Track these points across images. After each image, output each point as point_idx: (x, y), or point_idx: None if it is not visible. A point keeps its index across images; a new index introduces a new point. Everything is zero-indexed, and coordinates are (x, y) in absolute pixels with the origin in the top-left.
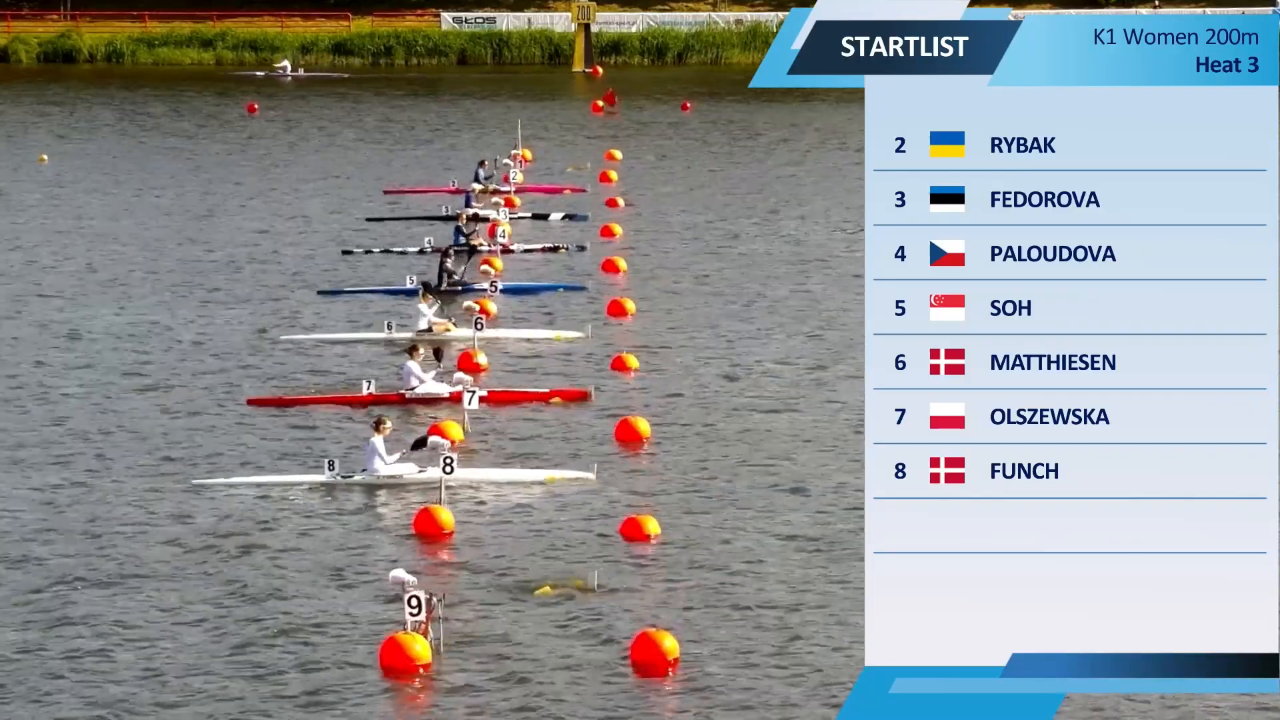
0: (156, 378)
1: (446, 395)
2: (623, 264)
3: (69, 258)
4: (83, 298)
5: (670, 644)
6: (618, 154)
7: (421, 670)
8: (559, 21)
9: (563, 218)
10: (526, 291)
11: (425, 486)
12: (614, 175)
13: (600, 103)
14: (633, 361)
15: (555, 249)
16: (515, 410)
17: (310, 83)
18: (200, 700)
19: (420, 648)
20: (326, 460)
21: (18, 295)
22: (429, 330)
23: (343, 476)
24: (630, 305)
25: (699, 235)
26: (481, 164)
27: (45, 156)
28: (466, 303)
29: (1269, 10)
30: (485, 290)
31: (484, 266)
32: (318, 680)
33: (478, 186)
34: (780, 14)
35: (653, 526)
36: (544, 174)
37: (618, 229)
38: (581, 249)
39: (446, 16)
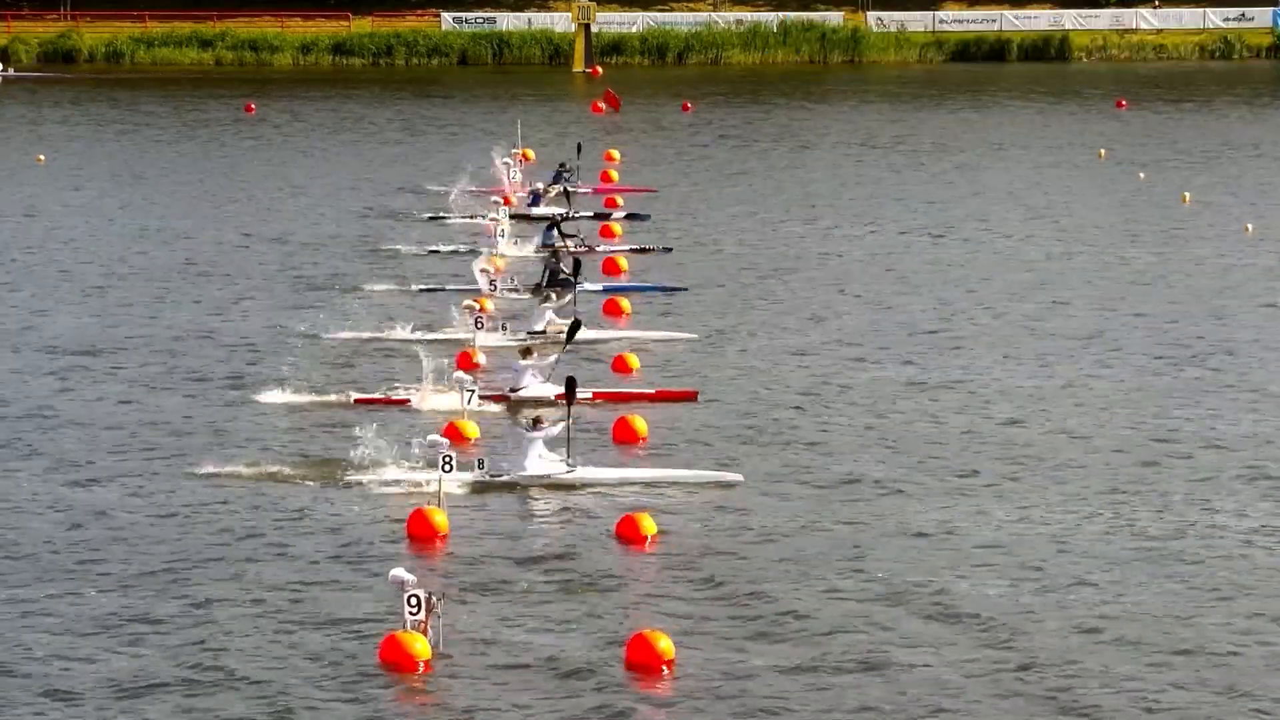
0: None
1: (553, 397)
2: (623, 264)
3: (68, 257)
4: (82, 298)
5: (666, 645)
6: (616, 154)
7: (421, 669)
8: (559, 21)
9: (625, 217)
10: (628, 291)
11: (572, 485)
12: (614, 175)
13: (601, 103)
14: (633, 361)
15: (642, 250)
16: (624, 410)
17: (34, 84)
18: (200, 700)
19: (420, 646)
20: (476, 459)
21: (17, 294)
22: (544, 331)
23: (491, 475)
24: (625, 305)
25: (787, 238)
26: (563, 165)
27: (43, 156)
28: (466, 301)
29: (1269, 9)
30: (579, 289)
31: (484, 266)
32: (317, 678)
33: (557, 187)
34: (780, 14)
35: (649, 526)
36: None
37: (618, 229)
38: (668, 250)
39: (446, 16)
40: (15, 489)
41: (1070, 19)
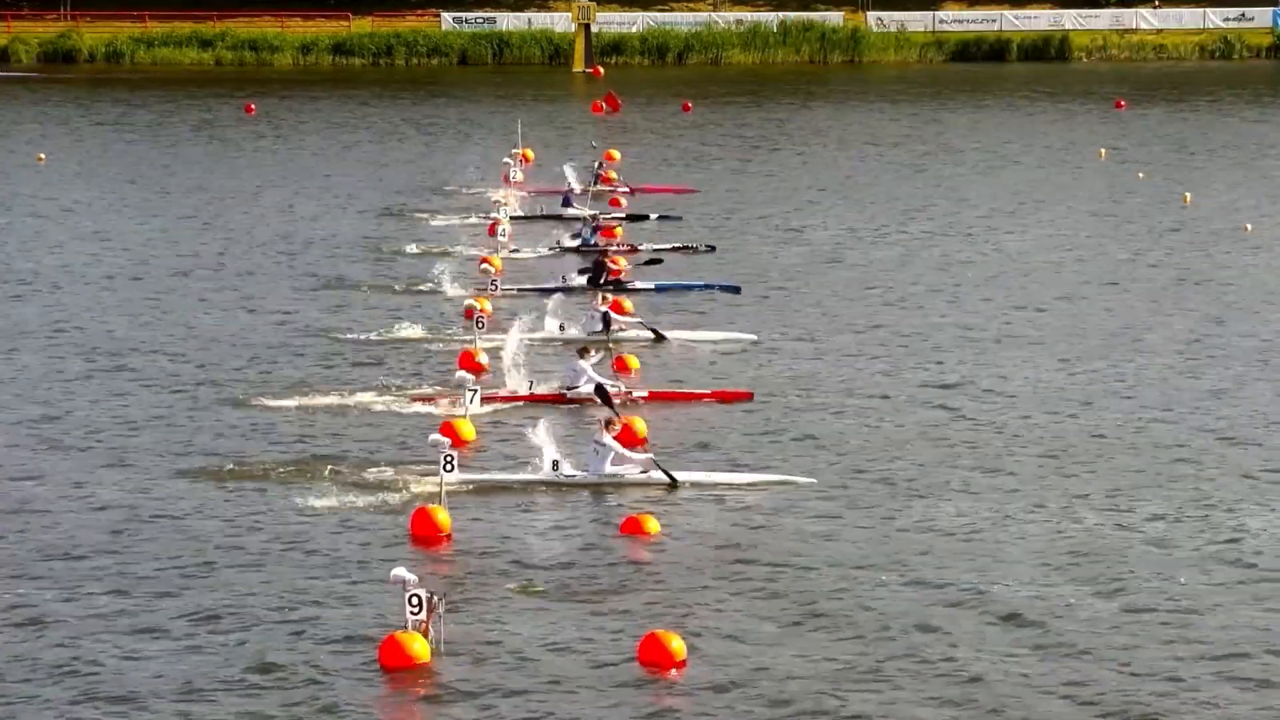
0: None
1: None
2: (623, 263)
3: (67, 256)
4: (82, 297)
5: (677, 645)
6: (616, 154)
7: (420, 669)
8: (559, 21)
9: (658, 218)
10: (683, 290)
11: (645, 485)
12: (614, 175)
13: (601, 103)
14: (633, 363)
15: (685, 249)
16: (679, 410)
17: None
18: (199, 698)
19: (419, 646)
20: (551, 460)
21: (17, 294)
22: (601, 332)
23: (565, 476)
24: (628, 305)
25: (821, 237)
26: (599, 166)
27: (44, 156)
28: (467, 302)
29: (1269, 9)
30: (628, 288)
31: (484, 265)
32: (318, 678)
33: (594, 186)
34: (780, 14)
35: (653, 526)
36: (546, 175)
37: (619, 230)
38: (710, 249)
39: (447, 16)
40: (16, 489)
41: (1070, 19)
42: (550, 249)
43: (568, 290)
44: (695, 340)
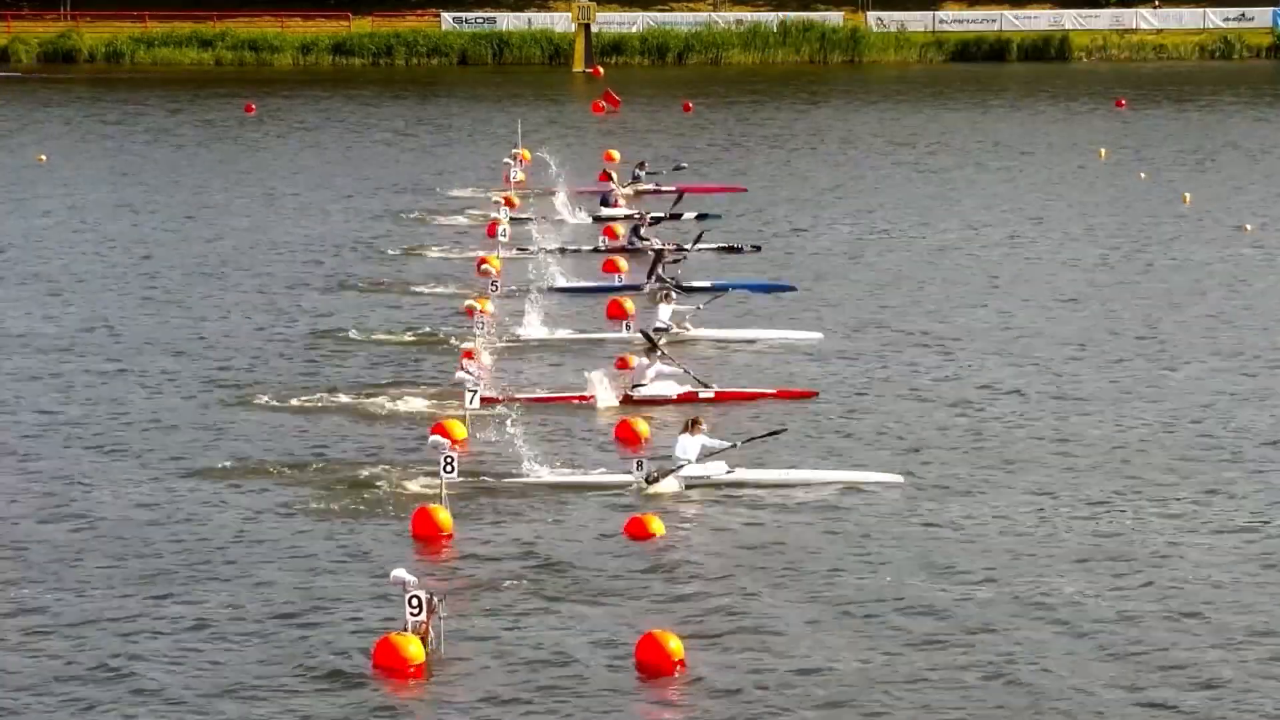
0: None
1: (674, 396)
2: (623, 264)
3: (69, 256)
4: (82, 297)
5: (675, 645)
6: (616, 154)
7: (415, 671)
8: (559, 21)
9: (696, 217)
10: (738, 290)
11: (732, 486)
12: (614, 175)
13: (601, 103)
14: (634, 362)
15: (731, 249)
16: (745, 409)
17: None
18: (202, 700)
19: (415, 648)
20: (635, 460)
21: (17, 294)
22: (666, 330)
23: (650, 478)
24: (629, 306)
25: (863, 236)
26: (641, 165)
27: (44, 156)
28: (467, 302)
29: (1269, 9)
30: (686, 288)
31: (484, 266)
32: (318, 679)
33: (633, 187)
34: (780, 14)
35: (657, 526)
36: (546, 175)
37: (619, 229)
38: (756, 249)
39: (446, 16)
40: (16, 490)
41: (1070, 19)
42: (594, 249)
43: (624, 290)
44: (758, 339)
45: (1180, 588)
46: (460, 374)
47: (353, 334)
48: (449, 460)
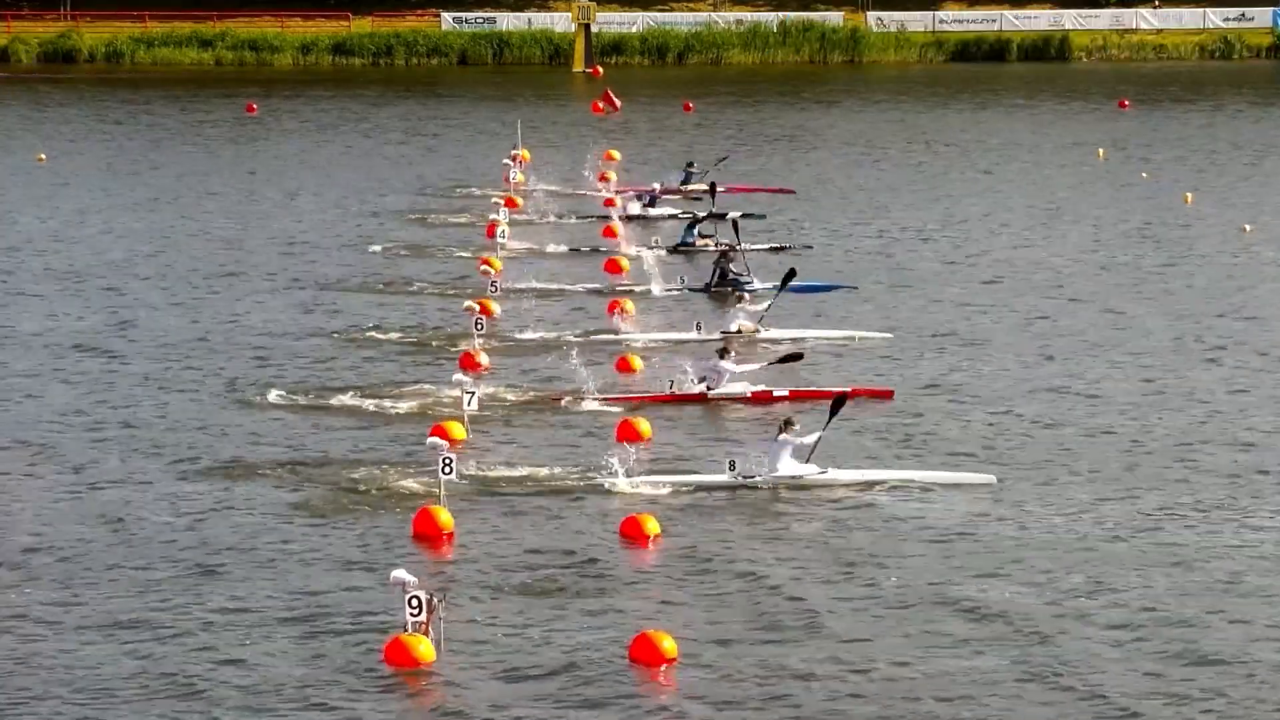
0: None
1: (749, 395)
2: (624, 264)
3: (69, 256)
4: (82, 297)
5: (669, 644)
6: (616, 154)
7: (425, 670)
8: (559, 21)
9: (741, 216)
10: (798, 290)
11: (825, 486)
12: (612, 175)
13: (600, 103)
14: (636, 363)
15: (781, 249)
16: (820, 409)
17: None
18: (202, 701)
19: (425, 648)
20: (727, 461)
21: (16, 294)
22: (739, 332)
23: (744, 478)
24: (629, 306)
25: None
26: (690, 165)
27: (44, 155)
28: (466, 303)
29: (1269, 9)
30: (748, 289)
31: (483, 267)
32: (317, 679)
33: (690, 186)
34: (780, 14)
35: (652, 526)
36: (547, 175)
37: (618, 229)
38: (807, 248)
39: (446, 16)
40: (16, 490)
41: (1070, 19)
42: (648, 249)
43: (690, 290)
44: (831, 339)
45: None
46: (459, 375)
47: (352, 334)
48: (447, 461)
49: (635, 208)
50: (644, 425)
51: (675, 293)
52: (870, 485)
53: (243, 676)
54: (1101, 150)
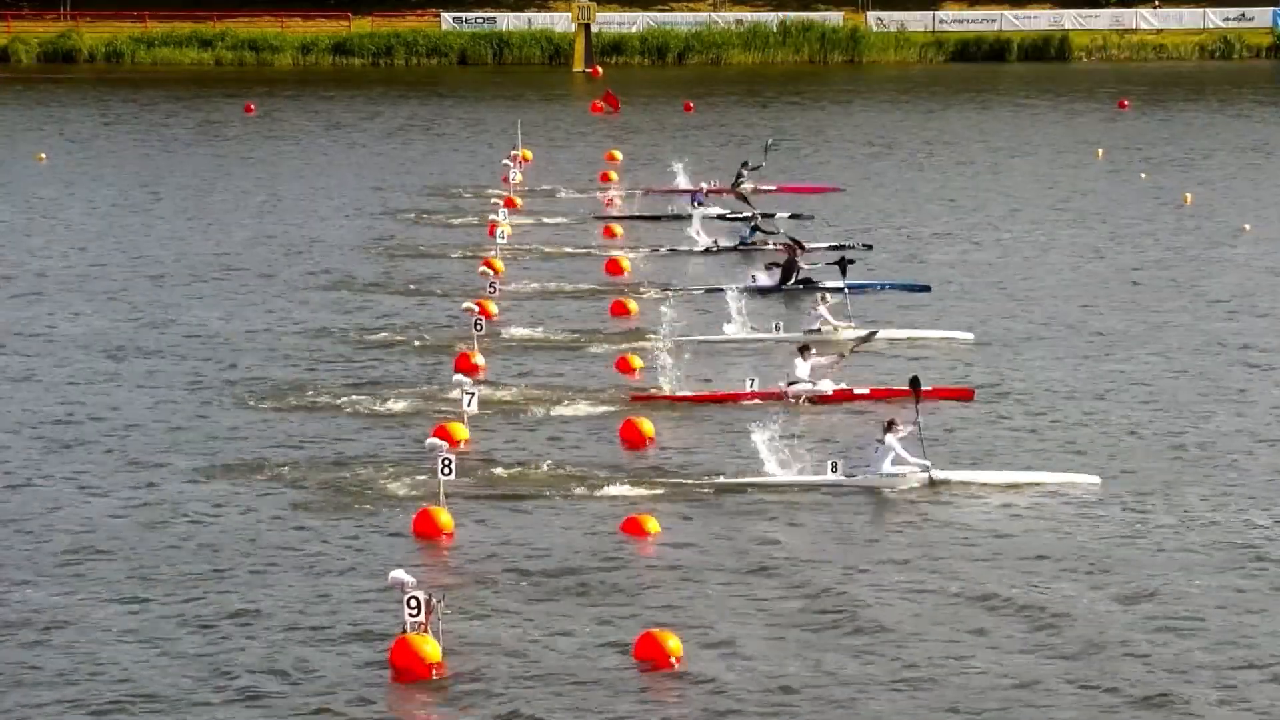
0: (249, 376)
1: (830, 393)
2: (625, 264)
3: (67, 256)
4: (82, 297)
5: (674, 643)
6: (618, 154)
7: (431, 672)
8: (559, 21)
9: (789, 217)
10: (872, 290)
11: (931, 487)
12: (613, 175)
13: (600, 103)
14: (636, 362)
15: (841, 248)
16: (900, 408)
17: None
18: (199, 700)
19: (430, 648)
20: (830, 462)
21: (16, 294)
22: (818, 331)
23: (848, 477)
24: (633, 305)
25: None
26: (745, 164)
27: (44, 155)
28: (466, 304)
29: (1269, 9)
30: (819, 287)
31: (483, 268)
32: (317, 680)
33: (744, 186)
34: (780, 14)
35: (653, 525)
36: (547, 174)
37: (618, 229)
38: (868, 247)
39: (446, 16)
40: (16, 490)
41: (1070, 19)
42: (707, 249)
43: (759, 290)
44: (911, 338)
45: None
46: (458, 376)
47: (352, 334)
48: (447, 462)
49: (692, 209)
50: (646, 425)
51: (747, 293)
52: (978, 486)
53: (243, 676)
54: (1100, 150)
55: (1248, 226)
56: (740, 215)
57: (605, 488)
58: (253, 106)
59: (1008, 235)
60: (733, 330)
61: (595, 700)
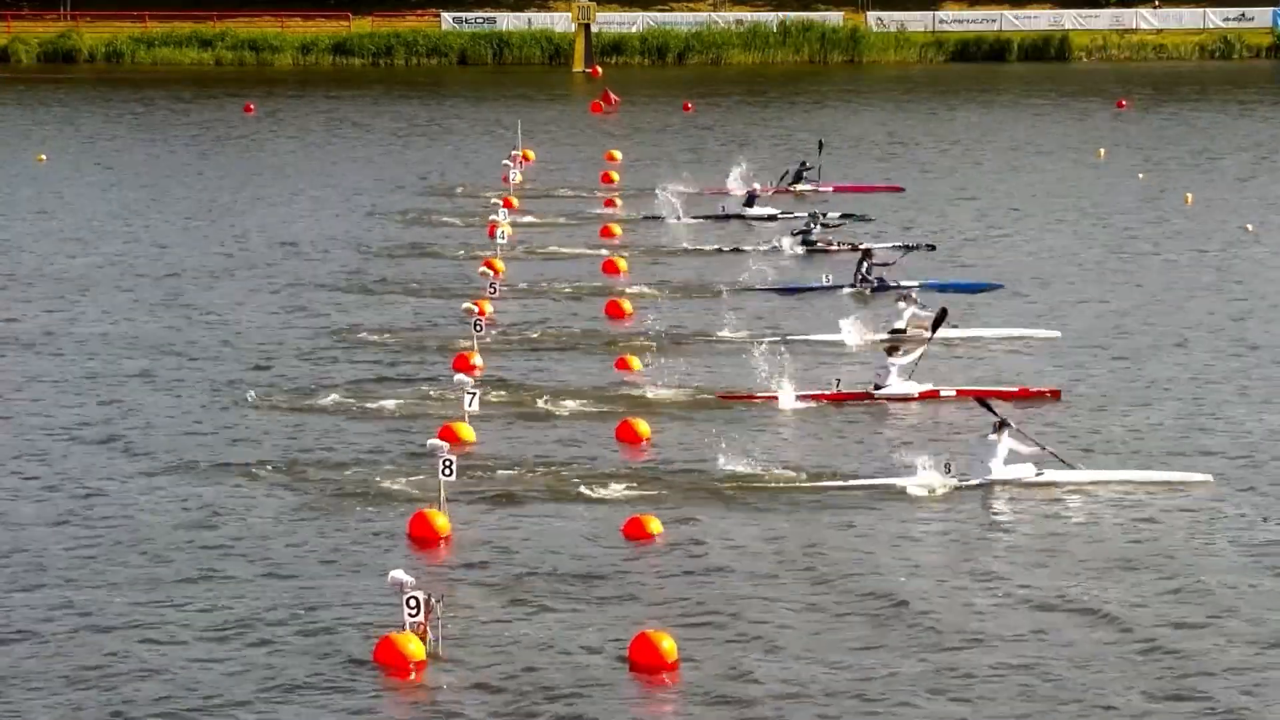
0: (249, 377)
1: (916, 395)
2: (623, 264)
3: (67, 256)
4: (82, 297)
5: (669, 644)
6: (618, 154)
7: (419, 670)
8: (559, 21)
9: (840, 217)
10: (943, 290)
11: (1043, 487)
12: (614, 175)
13: (600, 103)
14: (635, 363)
15: (906, 248)
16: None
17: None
18: (199, 699)
19: (415, 646)
20: (943, 462)
21: (16, 294)
22: (904, 331)
23: (960, 478)
24: (628, 306)
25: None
26: (804, 164)
27: (44, 155)
28: (465, 304)
29: (1269, 9)
30: (893, 288)
31: (483, 268)
32: (314, 679)
33: (800, 186)
34: (780, 14)
35: (655, 526)
36: (547, 174)
37: (618, 229)
38: (931, 248)
39: (446, 16)
40: (17, 491)
41: (1070, 19)
42: (769, 247)
43: (833, 289)
44: (998, 338)
45: None
46: (458, 376)
47: (352, 334)
48: (447, 463)
49: (737, 206)
50: (642, 425)
51: (821, 291)
52: (1089, 484)
53: (243, 677)
54: (1101, 150)
55: (1250, 226)
56: (795, 217)
57: (605, 487)
58: (253, 106)
59: (1073, 234)
60: (847, 331)
61: (595, 700)
